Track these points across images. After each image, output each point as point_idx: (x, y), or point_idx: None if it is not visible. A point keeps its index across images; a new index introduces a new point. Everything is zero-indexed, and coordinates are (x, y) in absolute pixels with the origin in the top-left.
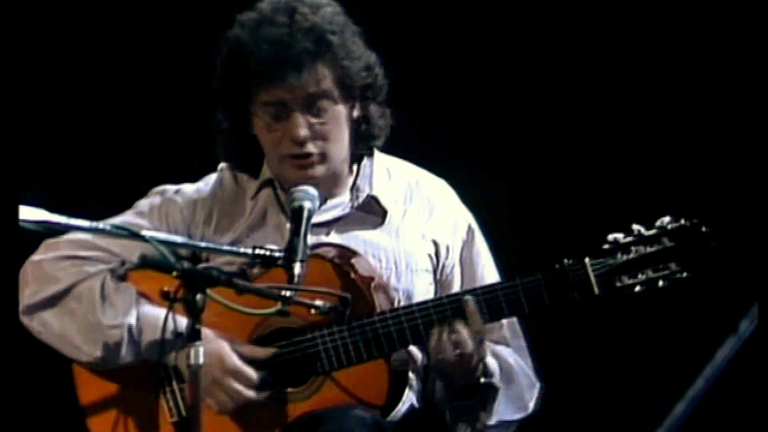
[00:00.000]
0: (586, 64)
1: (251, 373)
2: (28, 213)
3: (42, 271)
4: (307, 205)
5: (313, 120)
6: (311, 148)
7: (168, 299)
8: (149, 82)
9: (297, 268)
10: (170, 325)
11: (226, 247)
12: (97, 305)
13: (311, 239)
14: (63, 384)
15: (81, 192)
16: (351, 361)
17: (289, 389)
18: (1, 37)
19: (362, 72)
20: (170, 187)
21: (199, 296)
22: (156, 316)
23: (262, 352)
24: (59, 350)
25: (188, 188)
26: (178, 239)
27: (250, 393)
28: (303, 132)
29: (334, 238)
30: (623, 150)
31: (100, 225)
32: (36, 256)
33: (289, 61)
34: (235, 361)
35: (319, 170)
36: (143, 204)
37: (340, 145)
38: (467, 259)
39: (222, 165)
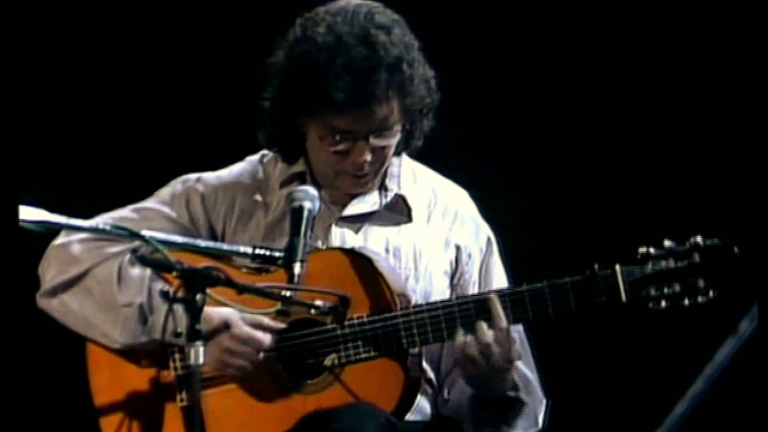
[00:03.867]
0: (615, 70)
1: (260, 336)
2: (28, 213)
3: (66, 254)
4: (307, 205)
5: (376, 144)
6: (370, 168)
7: (167, 299)
8: (149, 81)
9: (297, 268)
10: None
11: (225, 247)
12: (114, 285)
13: (337, 233)
14: (69, 368)
15: (81, 192)
16: (369, 354)
17: (304, 381)
18: (1, 37)
19: (425, 96)
20: (192, 175)
21: (198, 296)
22: None
23: (268, 320)
24: (77, 331)
25: (210, 176)
26: (179, 239)
27: (262, 355)
28: (368, 158)
29: (359, 237)
30: (640, 157)
31: (100, 224)
32: (59, 240)
33: (368, 95)
34: (242, 326)
35: (371, 184)
36: (164, 192)
37: (389, 159)
38: (484, 269)
39: (248, 157)
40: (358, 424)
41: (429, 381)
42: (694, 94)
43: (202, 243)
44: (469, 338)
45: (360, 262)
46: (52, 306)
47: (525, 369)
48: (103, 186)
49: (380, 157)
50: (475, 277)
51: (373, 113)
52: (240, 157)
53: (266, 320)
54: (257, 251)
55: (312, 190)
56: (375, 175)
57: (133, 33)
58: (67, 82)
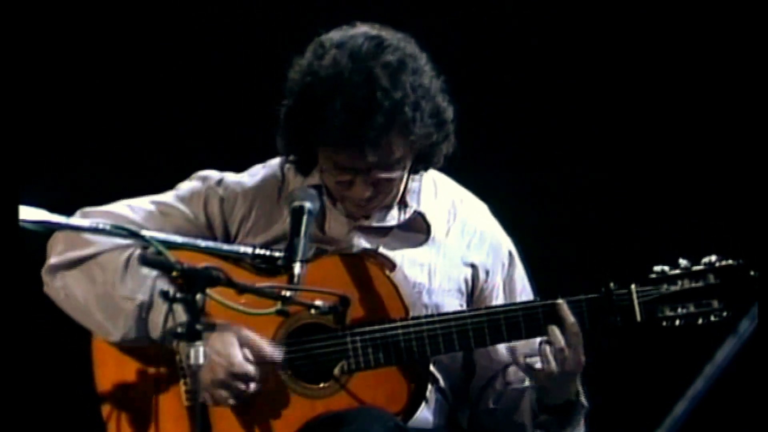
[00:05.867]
0: (631, 86)
1: (251, 371)
2: (28, 213)
3: (76, 235)
4: (307, 205)
5: (380, 177)
6: (373, 200)
7: (167, 299)
8: (150, 81)
9: (297, 268)
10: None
11: (225, 247)
12: (118, 276)
13: (355, 238)
14: (73, 363)
15: (81, 192)
16: (379, 363)
17: (312, 385)
18: (1, 37)
19: (432, 132)
20: (214, 175)
21: (198, 296)
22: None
23: (269, 351)
24: (73, 316)
25: (231, 178)
26: (178, 239)
27: (252, 388)
28: (367, 194)
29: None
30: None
31: (101, 224)
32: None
33: (362, 136)
34: (242, 363)
35: (377, 211)
36: (184, 188)
37: (400, 187)
38: (507, 285)
39: (270, 162)
40: (367, 428)
41: (441, 390)
42: (715, 113)
43: (203, 243)
44: (544, 346)
45: (372, 268)
46: (53, 286)
47: None
48: (103, 186)
49: (385, 188)
50: (499, 290)
51: (367, 155)
52: (240, 159)
53: (266, 349)
54: (257, 251)
55: (312, 191)
56: (382, 203)
57: (134, 32)
58: (67, 82)
